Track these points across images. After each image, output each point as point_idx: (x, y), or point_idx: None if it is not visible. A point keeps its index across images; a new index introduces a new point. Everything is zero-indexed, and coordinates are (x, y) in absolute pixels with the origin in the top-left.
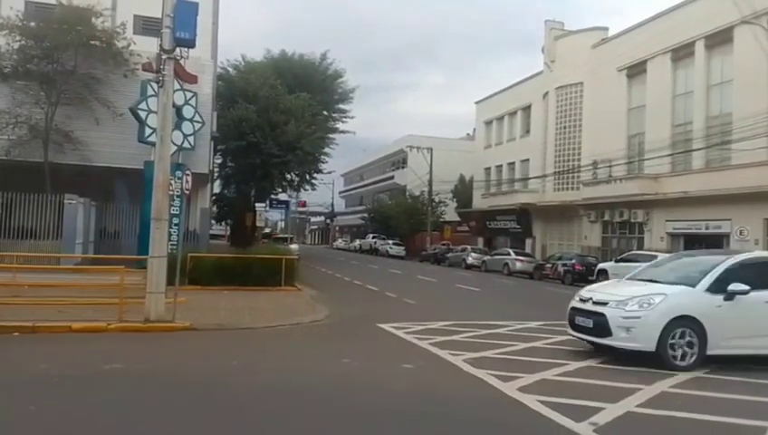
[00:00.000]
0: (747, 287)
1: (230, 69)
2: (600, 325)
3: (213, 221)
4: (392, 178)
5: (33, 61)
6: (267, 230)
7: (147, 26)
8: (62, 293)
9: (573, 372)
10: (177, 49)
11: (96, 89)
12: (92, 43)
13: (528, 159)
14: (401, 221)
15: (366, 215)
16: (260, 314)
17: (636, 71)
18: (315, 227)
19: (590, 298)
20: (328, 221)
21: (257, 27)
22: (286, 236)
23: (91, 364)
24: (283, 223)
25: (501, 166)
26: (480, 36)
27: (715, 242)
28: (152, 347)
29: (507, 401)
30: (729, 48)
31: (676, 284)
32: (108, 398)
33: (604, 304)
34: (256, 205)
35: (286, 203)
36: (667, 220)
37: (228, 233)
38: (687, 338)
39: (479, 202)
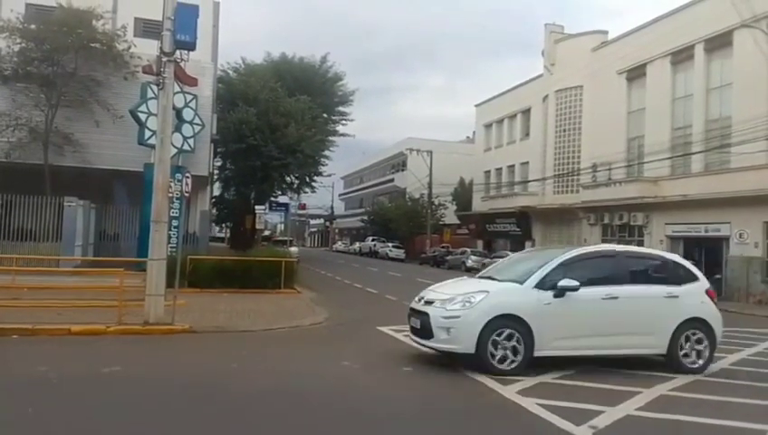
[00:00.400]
0: (576, 283)
1: (230, 72)
2: (424, 326)
3: (213, 224)
4: (392, 180)
5: (33, 63)
6: (267, 233)
7: (147, 29)
8: (62, 295)
9: (573, 376)
10: (178, 52)
11: (96, 91)
12: (93, 45)
13: (528, 162)
14: (401, 224)
15: (366, 217)
16: (259, 317)
17: (635, 74)
18: (315, 229)
19: (423, 297)
20: (327, 224)
21: (257, 30)
22: (286, 238)
23: (90, 367)
24: (282, 225)
25: (501, 169)
26: (479, 38)
27: (714, 245)
28: (151, 350)
29: (507, 404)
30: (729, 51)
31: (509, 281)
32: (107, 400)
33: (431, 303)
34: (256, 207)
35: (286, 205)
36: (667, 223)
37: (228, 235)
38: (511, 339)
39: (479, 205)
